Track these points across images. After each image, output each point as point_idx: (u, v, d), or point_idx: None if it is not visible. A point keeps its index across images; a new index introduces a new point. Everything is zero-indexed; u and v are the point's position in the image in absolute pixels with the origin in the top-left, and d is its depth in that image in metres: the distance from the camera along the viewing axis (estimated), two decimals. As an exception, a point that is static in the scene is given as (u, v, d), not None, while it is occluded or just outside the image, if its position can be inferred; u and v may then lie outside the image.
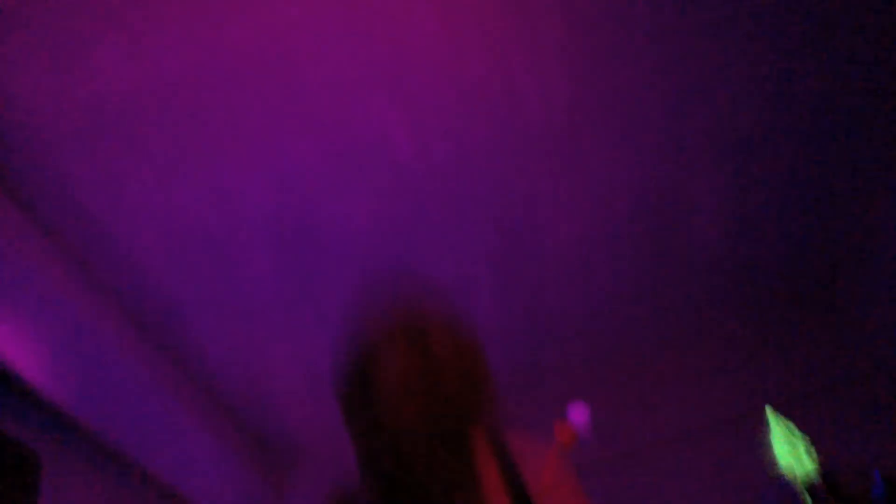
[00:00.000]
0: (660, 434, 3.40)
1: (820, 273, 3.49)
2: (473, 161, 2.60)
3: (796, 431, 2.85)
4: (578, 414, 3.37)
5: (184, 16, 2.04)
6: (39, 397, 2.84)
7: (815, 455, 2.77)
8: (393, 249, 2.83)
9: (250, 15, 2.06)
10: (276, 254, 2.77)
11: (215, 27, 2.07)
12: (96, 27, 2.02)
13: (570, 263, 3.12)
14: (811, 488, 2.44)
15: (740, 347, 3.50)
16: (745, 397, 3.15)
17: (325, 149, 2.45)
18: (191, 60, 2.13)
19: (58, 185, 2.39)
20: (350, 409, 1.22)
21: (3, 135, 2.22)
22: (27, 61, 2.06)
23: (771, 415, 2.93)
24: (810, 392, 3.25)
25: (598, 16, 2.24)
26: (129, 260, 2.71)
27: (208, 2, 2.01)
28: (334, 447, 1.77)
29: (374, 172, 2.57)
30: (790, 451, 2.79)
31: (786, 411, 2.95)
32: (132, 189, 2.46)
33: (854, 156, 2.90)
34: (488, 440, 1.22)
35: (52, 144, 2.28)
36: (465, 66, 2.30)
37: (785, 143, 2.79)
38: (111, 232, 2.59)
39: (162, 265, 2.75)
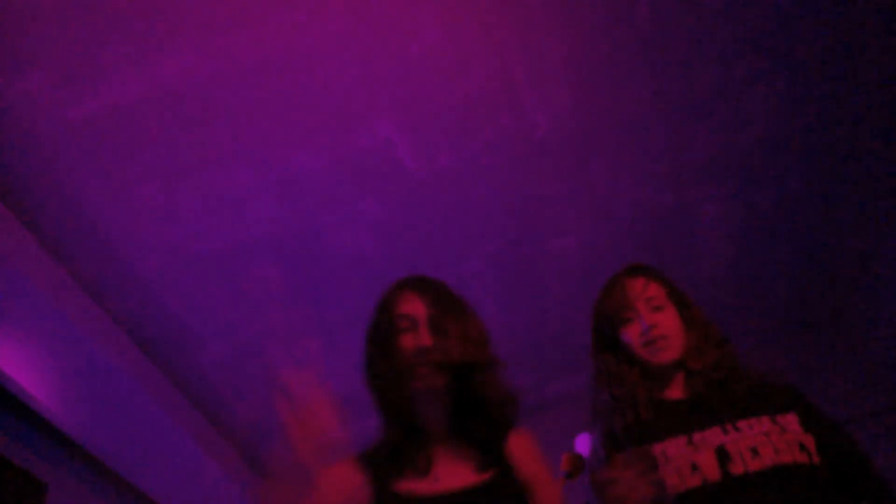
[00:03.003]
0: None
1: (831, 296, 3.45)
2: (476, 171, 2.59)
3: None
4: (585, 445, 3.31)
5: (189, 26, 2.05)
6: (47, 424, 2.82)
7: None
8: (396, 259, 2.82)
9: (254, 25, 2.07)
10: (281, 264, 2.76)
11: (220, 37, 2.08)
12: (102, 38, 2.03)
13: (573, 276, 3.09)
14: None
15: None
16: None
17: (329, 157, 2.45)
18: (196, 70, 2.14)
19: (63, 200, 2.40)
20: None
21: (8, 150, 2.23)
22: (33, 75, 2.07)
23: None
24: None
25: (602, 28, 2.24)
26: (136, 280, 2.70)
27: (213, 12, 2.02)
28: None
29: (378, 181, 2.56)
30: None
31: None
32: (138, 202, 2.45)
33: (860, 172, 2.87)
34: None
35: (57, 159, 2.28)
36: (468, 75, 2.30)
37: (790, 159, 2.78)
38: (118, 251, 2.59)
39: (169, 283, 2.75)
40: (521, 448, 1.28)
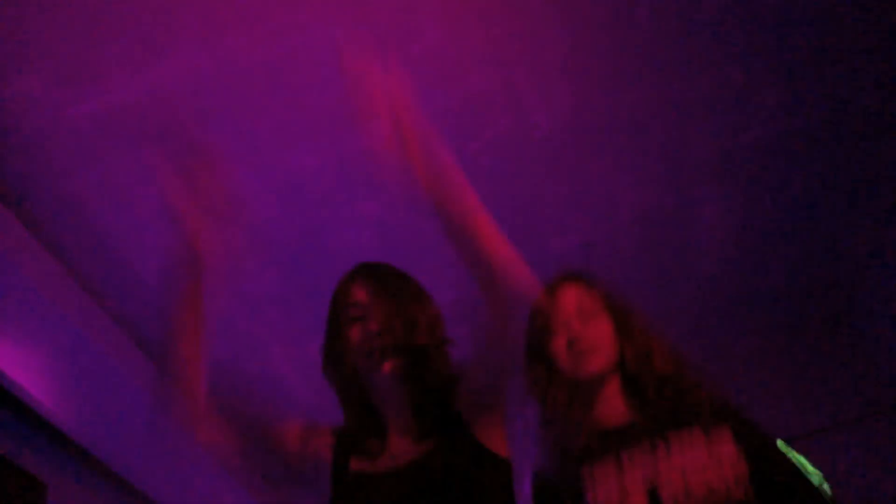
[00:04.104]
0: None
1: (832, 297, 3.45)
2: (475, 171, 2.59)
3: (810, 466, 2.78)
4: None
5: (189, 26, 2.04)
6: (47, 424, 2.82)
7: (828, 491, 2.69)
8: (396, 259, 2.81)
9: (254, 25, 2.07)
10: (281, 264, 2.76)
11: (220, 37, 2.08)
12: (102, 38, 2.03)
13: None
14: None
15: (749, 375, 3.44)
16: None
17: (329, 157, 2.45)
18: (196, 70, 2.14)
19: (63, 200, 2.40)
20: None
21: (8, 150, 2.23)
22: (32, 75, 2.07)
23: (783, 450, 2.86)
24: (825, 425, 3.18)
25: (602, 28, 2.24)
26: (136, 280, 2.70)
27: (213, 12, 2.02)
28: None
29: (377, 181, 2.56)
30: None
31: (798, 445, 2.88)
32: (138, 202, 2.45)
33: (860, 172, 2.87)
34: None
35: (57, 159, 2.28)
36: (468, 76, 2.30)
37: (790, 159, 2.78)
38: (118, 251, 2.59)
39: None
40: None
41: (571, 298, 1.40)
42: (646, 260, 3.09)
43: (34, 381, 2.59)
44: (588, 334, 1.34)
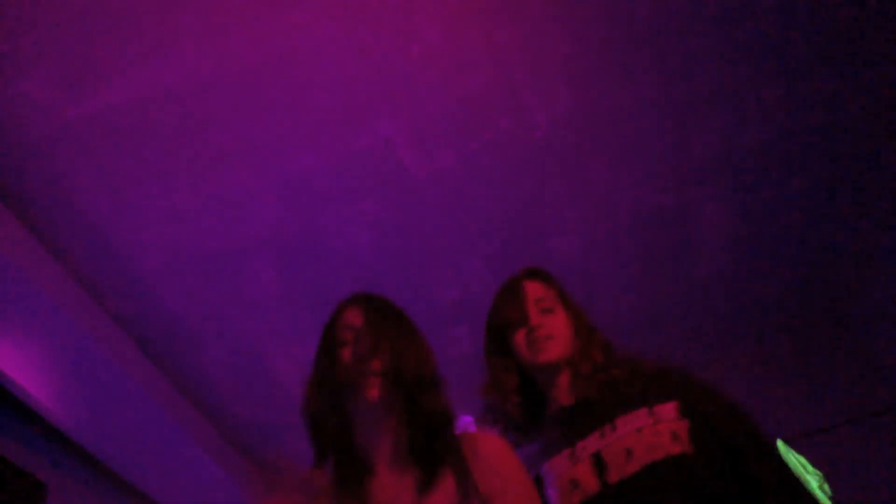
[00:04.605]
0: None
1: (832, 297, 3.45)
2: (476, 171, 2.59)
3: (810, 467, 2.78)
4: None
5: (189, 26, 2.05)
6: (47, 424, 2.82)
7: (829, 492, 2.69)
8: (396, 259, 2.82)
9: (254, 25, 2.07)
10: (281, 264, 2.76)
11: (221, 37, 2.08)
12: (102, 38, 2.03)
13: (573, 276, 3.07)
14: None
15: (749, 377, 3.44)
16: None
17: (329, 157, 2.45)
18: (196, 70, 2.14)
19: (63, 201, 2.40)
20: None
21: (8, 150, 2.23)
22: (33, 75, 2.07)
23: (783, 450, 2.86)
24: (825, 425, 3.18)
25: (602, 28, 2.24)
26: (136, 280, 2.70)
27: (214, 12, 2.03)
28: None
29: (378, 181, 2.56)
30: (803, 487, 2.70)
31: (799, 446, 2.88)
32: (138, 202, 2.46)
33: (860, 172, 2.87)
34: None
35: (57, 159, 2.28)
36: (468, 76, 2.30)
37: (790, 159, 2.78)
38: (118, 251, 2.59)
39: (167, 283, 2.74)
40: (479, 454, 1.20)
41: (531, 293, 1.46)
42: (646, 260, 3.09)
43: (34, 381, 2.59)
44: (546, 324, 1.41)
